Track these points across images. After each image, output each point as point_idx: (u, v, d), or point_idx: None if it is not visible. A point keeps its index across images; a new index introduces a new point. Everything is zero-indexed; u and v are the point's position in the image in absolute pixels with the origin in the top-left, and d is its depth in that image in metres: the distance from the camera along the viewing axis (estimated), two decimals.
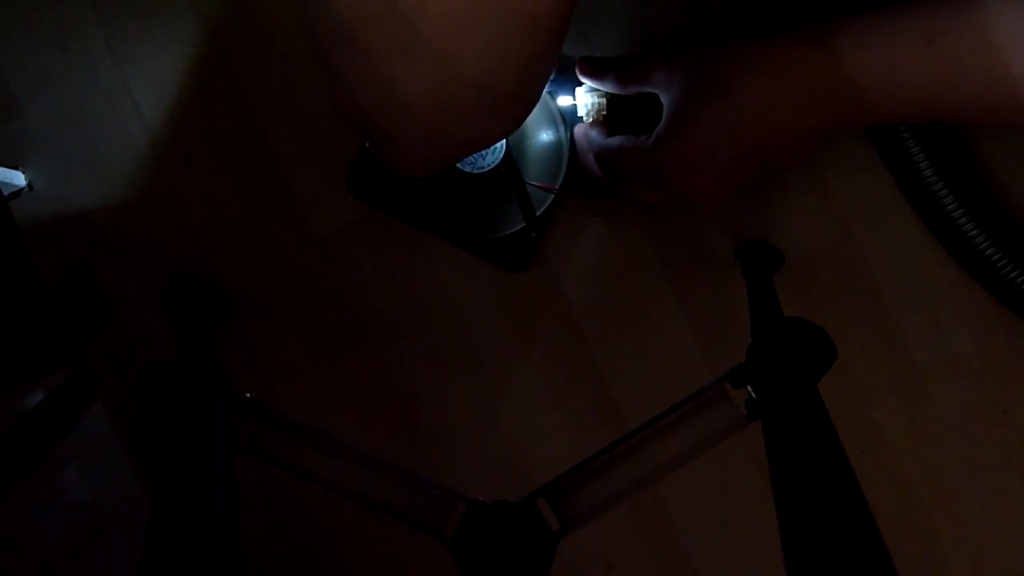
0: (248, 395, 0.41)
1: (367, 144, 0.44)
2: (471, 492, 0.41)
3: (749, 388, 0.39)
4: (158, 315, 0.52)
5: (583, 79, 0.47)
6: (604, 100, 0.47)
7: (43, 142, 0.51)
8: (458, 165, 0.49)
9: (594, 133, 0.47)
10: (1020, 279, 0.49)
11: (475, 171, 0.49)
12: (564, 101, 0.48)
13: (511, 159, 0.49)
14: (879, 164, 0.52)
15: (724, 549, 0.54)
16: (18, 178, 0.51)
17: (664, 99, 0.42)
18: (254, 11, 0.51)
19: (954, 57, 0.36)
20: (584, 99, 0.47)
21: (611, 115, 0.47)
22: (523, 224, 0.50)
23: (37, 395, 0.52)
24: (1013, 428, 0.54)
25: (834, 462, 0.36)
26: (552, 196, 0.50)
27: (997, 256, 0.49)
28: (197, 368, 0.41)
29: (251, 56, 0.51)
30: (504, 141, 0.49)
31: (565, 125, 0.49)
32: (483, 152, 0.48)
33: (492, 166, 0.48)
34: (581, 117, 0.48)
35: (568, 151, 0.49)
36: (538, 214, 0.50)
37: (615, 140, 0.45)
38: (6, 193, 0.51)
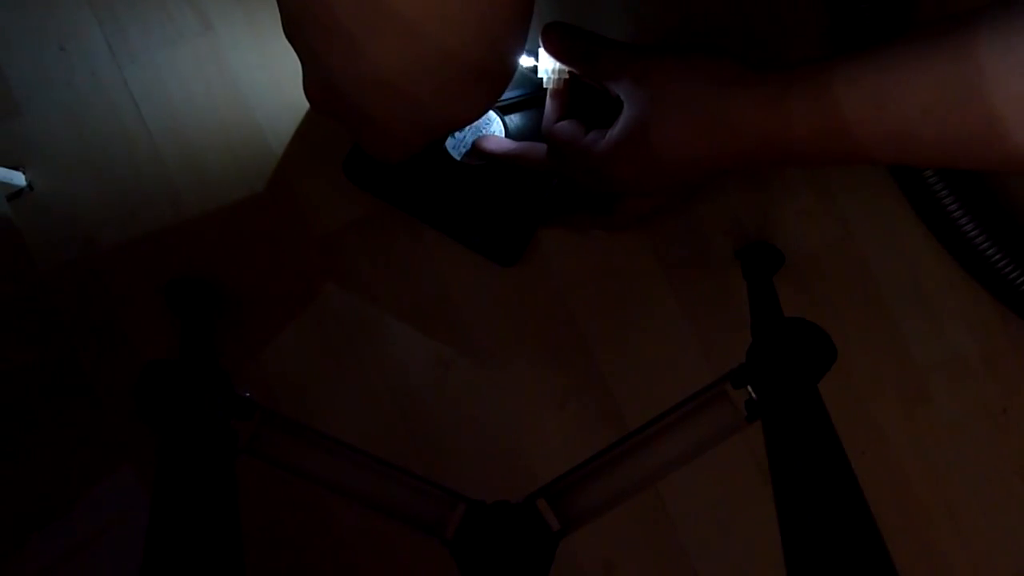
0: (248, 395, 0.41)
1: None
2: (471, 492, 0.41)
3: (749, 388, 0.39)
4: (158, 315, 0.52)
5: (548, 53, 0.43)
6: (568, 69, 0.44)
7: (43, 142, 0.51)
8: (455, 156, 0.49)
9: (549, 108, 0.45)
10: (1020, 279, 0.49)
11: (475, 162, 0.49)
12: (526, 61, 0.45)
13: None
14: (879, 164, 0.52)
15: (724, 549, 0.54)
16: (18, 178, 0.51)
17: (626, 107, 0.40)
18: (254, 11, 0.51)
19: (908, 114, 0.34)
20: (547, 63, 0.44)
21: (573, 86, 0.45)
22: (515, 216, 0.50)
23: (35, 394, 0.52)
24: (1013, 428, 0.54)
25: (834, 462, 0.36)
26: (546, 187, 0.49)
27: (997, 256, 0.49)
28: (197, 368, 0.41)
29: (251, 56, 0.51)
30: (502, 126, 0.49)
31: None
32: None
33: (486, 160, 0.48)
34: (541, 79, 0.45)
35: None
36: (531, 207, 0.50)
37: (565, 128, 0.44)
38: (6, 193, 0.51)
